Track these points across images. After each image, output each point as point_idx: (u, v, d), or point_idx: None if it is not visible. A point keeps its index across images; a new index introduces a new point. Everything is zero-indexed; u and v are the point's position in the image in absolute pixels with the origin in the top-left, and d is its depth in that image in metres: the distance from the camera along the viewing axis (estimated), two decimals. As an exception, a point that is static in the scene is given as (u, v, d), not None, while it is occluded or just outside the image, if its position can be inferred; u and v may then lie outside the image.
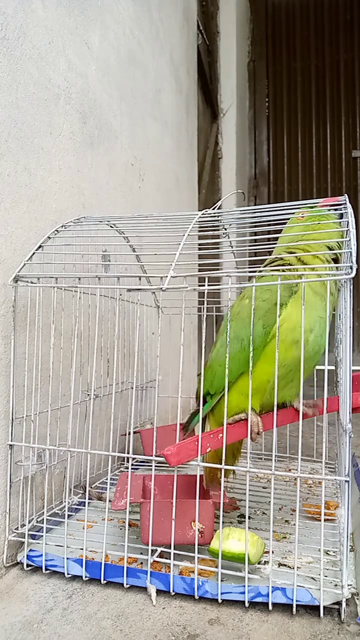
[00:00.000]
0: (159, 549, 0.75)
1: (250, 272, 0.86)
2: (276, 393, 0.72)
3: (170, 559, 0.71)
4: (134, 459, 1.21)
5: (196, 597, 0.69)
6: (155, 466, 0.76)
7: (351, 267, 0.66)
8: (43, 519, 0.79)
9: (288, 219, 0.83)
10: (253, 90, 3.64)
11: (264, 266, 0.86)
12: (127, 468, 1.17)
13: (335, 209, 0.84)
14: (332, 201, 0.84)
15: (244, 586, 0.67)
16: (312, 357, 0.80)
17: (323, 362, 0.83)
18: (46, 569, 0.75)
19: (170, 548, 0.71)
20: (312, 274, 0.76)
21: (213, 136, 2.86)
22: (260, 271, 0.80)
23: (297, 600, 0.65)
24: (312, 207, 0.85)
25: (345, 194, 0.82)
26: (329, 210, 0.83)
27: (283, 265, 0.81)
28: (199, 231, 0.89)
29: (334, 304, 0.82)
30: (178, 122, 1.84)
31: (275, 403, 0.73)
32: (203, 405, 0.87)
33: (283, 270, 0.73)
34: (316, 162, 3.53)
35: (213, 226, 0.92)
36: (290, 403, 0.85)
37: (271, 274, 0.75)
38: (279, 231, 0.89)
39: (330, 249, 0.81)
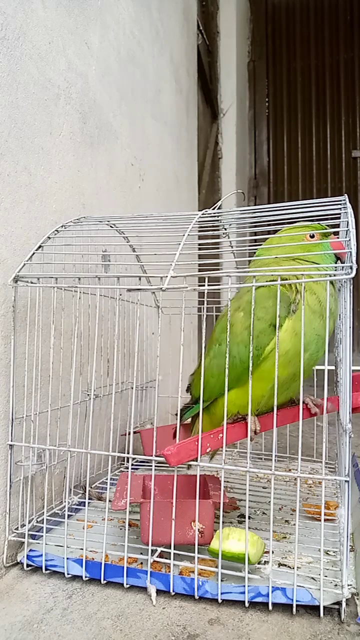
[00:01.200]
0: (159, 549, 0.74)
1: (248, 272, 0.85)
2: (275, 400, 0.72)
3: (170, 559, 0.71)
4: (134, 459, 1.21)
5: (196, 597, 0.69)
6: (155, 466, 0.76)
7: (351, 267, 0.66)
8: (43, 519, 0.79)
9: (288, 219, 0.83)
10: (253, 90, 3.64)
11: (253, 266, 0.86)
12: (127, 468, 1.17)
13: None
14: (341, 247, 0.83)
15: (244, 586, 0.67)
16: (307, 369, 0.81)
17: (323, 362, 0.83)
18: (46, 569, 0.75)
19: (170, 548, 0.71)
20: (311, 273, 0.75)
21: (213, 136, 2.85)
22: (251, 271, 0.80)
23: (297, 600, 0.65)
24: (324, 234, 0.84)
25: (345, 194, 0.82)
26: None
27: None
28: (199, 231, 0.89)
29: (334, 319, 0.81)
30: (178, 122, 1.84)
31: (275, 407, 0.72)
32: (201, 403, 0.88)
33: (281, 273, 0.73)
34: (316, 162, 3.53)
35: (213, 226, 0.92)
36: (294, 399, 0.85)
37: (271, 274, 0.74)
38: (279, 231, 0.89)
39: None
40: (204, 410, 0.89)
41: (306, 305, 0.77)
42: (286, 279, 0.74)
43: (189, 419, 0.99)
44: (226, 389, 0.74)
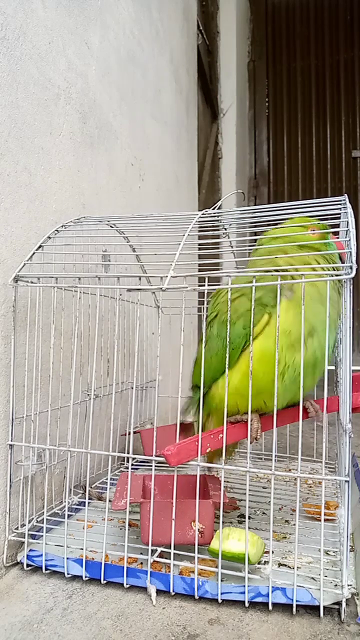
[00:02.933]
0: (159, 549, 0.75)
1: (248, 272, 0.85)
2: (276, 399, 0.71)
3: (170, 559, 0.71)
4: (134, 459, 1.21)
5: (196, 597, 0.69)
6: (155, 466, 0.76)
7: (351, 267, 0.66)
8: (43, 519, 0.79)
9: (288, 219, 0.83)
10: (253, 90, 3.64)
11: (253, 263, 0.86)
12: (127, 468, 1.17)
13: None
14: (342, 247, 0.82)
15: (244, 586, 0.67)
16: (321, 360, 0.77)
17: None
18: (46, 569, 0.75)
19: (170, 548, 0.71)
20: (312, 274, 0.75)
21: (213, 136, 2.85)
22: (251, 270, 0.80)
23: (297, 600, 0.65)
24: (324, 230, 0.83)
25: (345, 194, 0.82)
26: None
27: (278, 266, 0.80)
28: (199, 231, 0.89)
29: (338, 310, 0.80)
30: (178, 122, 1.84)
31: (276, 407, 0.72)
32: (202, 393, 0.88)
33: (279, 271, 0.72)
34: (316, 162, 3.53)
35: (213, 226, 0.92)
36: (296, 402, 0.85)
37: (271, 274, 0.74)
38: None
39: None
40: (208, 408, 0.89)
41: (301, 293, 0.76)
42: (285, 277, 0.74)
43: (191, 419, 0.98)
44: (226, 389, 0.74)
